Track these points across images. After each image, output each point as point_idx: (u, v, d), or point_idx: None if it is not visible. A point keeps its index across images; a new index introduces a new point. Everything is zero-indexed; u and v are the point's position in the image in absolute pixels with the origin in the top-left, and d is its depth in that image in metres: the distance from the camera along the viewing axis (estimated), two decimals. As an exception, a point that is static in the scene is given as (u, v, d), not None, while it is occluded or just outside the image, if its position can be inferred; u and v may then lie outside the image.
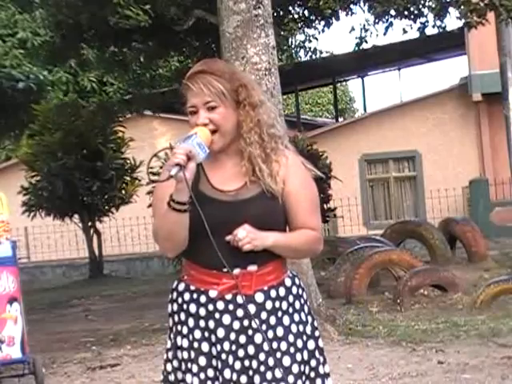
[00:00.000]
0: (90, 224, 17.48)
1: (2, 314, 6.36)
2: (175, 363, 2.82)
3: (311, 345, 2.80)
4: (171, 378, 2.84)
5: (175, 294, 2.83)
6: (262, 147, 2.77)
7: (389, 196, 21.76)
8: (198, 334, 2.75)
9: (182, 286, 2.81)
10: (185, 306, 2.78)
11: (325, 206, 15.78)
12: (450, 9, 13.21)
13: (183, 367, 2.78)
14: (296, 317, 2.78)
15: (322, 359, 2.84)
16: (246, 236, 2.64)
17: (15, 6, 18.68)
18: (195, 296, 2.76)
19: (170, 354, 2.84)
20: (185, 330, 2.78)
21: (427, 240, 13.04)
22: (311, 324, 2.83)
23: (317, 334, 2.84)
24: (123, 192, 17.22)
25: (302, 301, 2.83)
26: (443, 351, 6.98)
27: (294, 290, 2.81)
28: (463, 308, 9.05)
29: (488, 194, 19.55)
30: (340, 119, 31.24)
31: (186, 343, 2.78)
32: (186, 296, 2.78)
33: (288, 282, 2.80)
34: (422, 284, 9.68)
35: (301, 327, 2.78)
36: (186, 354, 2.77)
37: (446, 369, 6.36)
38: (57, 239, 21.53)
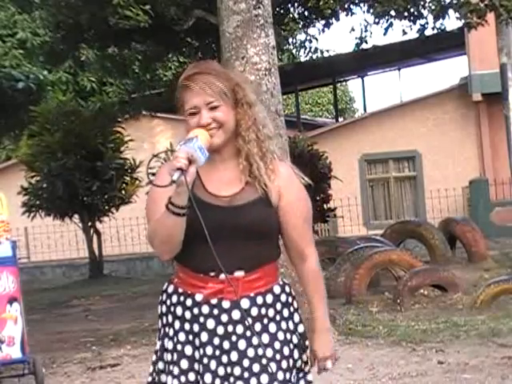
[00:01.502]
0: (90, 224, 17.49)
1: (2, 314, 6.36)
2: (161, 365, 2.80)
3: (296, 354, 2.77)
4: (151, 379, 2.83)
5: (165, 296, 2.83)
6: (258, 146, 2.77)
7: (389, 196, 21.76)
8: (182, 336, 2.74)
9: (171, 288, 2.81)
10: (172, 309, 2.78)
11: (325, 205, 15.80)
12: (450, 10, 13.20)
13: (167, 369, 2.77)
14: (283, 325, 2.76)
15: (307, 369, 2.83)
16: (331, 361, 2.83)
17: (15, 6, 18.69)
18: (182, 299, 2.76)
19: (158, 355, 2.83)
20: (171, 333, 2.77)
21: (427, 240, 13.05)
22: (300, 334, 2.81)
23: (306, 343, 2.82)
24: (123, 192, 17.22)
25: (292, 309, 2.81)
26: (443, 351, 6.99)
27: (283, 297, 2.79)
28: (463, 308, 9.05)
29: (488, 194, 19.55)
30: (340, 119, 31.23)
31: (171, 345, 2.77)
32: (174, 298, 2.78)
33: (277, 290, 2.78)
34: (422, 284, 9.68)
35: (288, 335, 2.76)
36: (169, 356, 2.76)
37: (445, 369, 6.37)
38: (57, 239, 21.53)
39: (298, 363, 2.79)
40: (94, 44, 14.81)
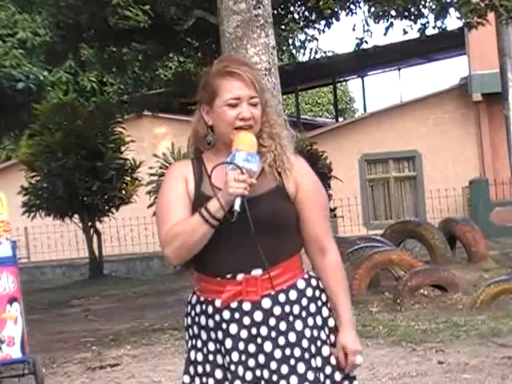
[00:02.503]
0: (90, 224, 17.48)
1: (2, 314, 6.36)
2: (186, 379, 2.72)
3: (326, 351, 2.66)
4: None
5: (189, 308, 2.74)
6: (282, 142, 2.72)
7: (389, 196, 21.76)
8: (211, 346, 2.66)
9: (194, 299, 2.72)
10: (197, 319, 2.70)
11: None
12: (450, 9, 13.20)
13: (197, 382, 2.69)
14: (310, 321, 2.65)
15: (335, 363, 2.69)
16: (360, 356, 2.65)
17: (15, 6, 18.69)
18: (204, 307, 2.67)
19: (184, 369, 2.75)
20: (199, 344, 2.69)
21: (427, 240, 13.02)
22: (330, 328, 2.70)
23: (333, 339, 2.70)
24: (123, 192, 17.22)
25: (320, 303, 2.69)
26: (443, 351, 6.98)
27: (309, 292, 2.67)
28: (463, 308, 9.05)
29: (488, 194, 19.55)
30: (340, 119, 31.24)
31: (200, 357, 2.68)
32: (197, 308, 2.70)
33: (301, 284, 2.67)
34: (422, 284, 9.68)
35: (315, 332, 2.65)
36: (200, 369, 2.68)
37: (446, 369, 6.36)
38: (57, 239, 21.53)
39: (332, 360, 2.67)
40: (93, 44, 14.81)
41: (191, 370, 2.70)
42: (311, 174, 2.74)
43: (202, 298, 2.69)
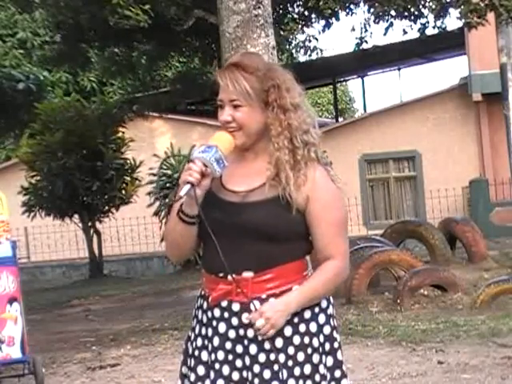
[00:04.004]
0: (89, 224, 17.49)
1: (2, 313, 6.36)
2: (184, 369, 2.73)
3: (316, 358, 2.60)
4: (180, 382, 2.74)
5: (196, 299, 2.75)
6: (292, 153, 2.59)
7: (389, 196, 21.76)
8: (199, 341, 2.66)
9: (199, 291, 2.74)
10: (195, 312, 2.72)
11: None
12: (450, 9, 13.22)
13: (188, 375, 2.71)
14: (302, 327, 2.58)
15: (329, 376, 2.66)
16: (265, 322, 2.48)
17: (15, 6, 18.72)
18: (202, 302, 2.69)
19: (182, 360, 2.75)
20: (192, 337, 2.71)
21: (427, 240, 13.01)
22: (325, 336, 2.64)
23: (327, 347, 2.65)
24: (123, 192, 17.23)
25: (317, 309, 2.63)
26: (443, 351, 6.98)
27: None
28: (463, 308, 9.04)
29: (488, 194, 19.55)
30: (340, 119, 31.23)
31: (190, 350, 2.69)
32: (199, 301, 2.71)
33: None
34: (421, 284, 9.67)
35: (306, 339, 2.58)
36: (189, 362, 2.69)
37: (445, 369, 6.36)
38: (57, 239, 21.54)
39: (321, 368, 2.62)
40: (94, 44, 14.82)
41: (188, 361, 2.71)
42: (327, 187, 2.66)
43: (202, 292, 2.71)
